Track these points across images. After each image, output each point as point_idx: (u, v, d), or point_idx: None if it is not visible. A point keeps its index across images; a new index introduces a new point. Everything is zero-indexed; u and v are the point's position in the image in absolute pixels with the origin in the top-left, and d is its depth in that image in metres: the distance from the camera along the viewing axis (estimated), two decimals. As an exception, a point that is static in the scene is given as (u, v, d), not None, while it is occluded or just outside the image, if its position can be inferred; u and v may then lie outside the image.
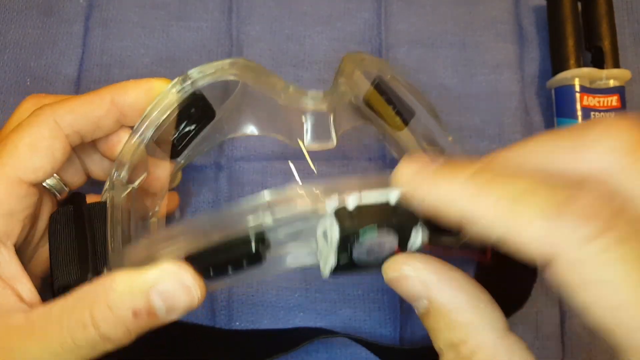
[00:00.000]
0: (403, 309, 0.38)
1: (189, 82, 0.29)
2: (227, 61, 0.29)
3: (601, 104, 0.41)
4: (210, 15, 0.44)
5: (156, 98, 0.28)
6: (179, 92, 0.29)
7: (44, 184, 0.29)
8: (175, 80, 0.29)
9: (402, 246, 0.23)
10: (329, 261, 0.23)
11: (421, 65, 0.44)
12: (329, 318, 0.38)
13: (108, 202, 0.28)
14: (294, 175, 0.40)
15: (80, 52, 0.42)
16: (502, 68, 0.44)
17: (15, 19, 0.42)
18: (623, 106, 0.41)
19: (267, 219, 0.22)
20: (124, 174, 0.28)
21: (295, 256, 0.25)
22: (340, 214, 0.22)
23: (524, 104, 0.43)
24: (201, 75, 0.29)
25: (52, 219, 0.28)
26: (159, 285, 0.23)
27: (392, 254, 0.23)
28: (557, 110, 0.42)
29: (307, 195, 0.22)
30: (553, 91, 0.42)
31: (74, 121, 0.27)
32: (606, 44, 0.42)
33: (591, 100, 0.41)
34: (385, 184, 0.22)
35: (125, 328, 0.23)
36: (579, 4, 0.43)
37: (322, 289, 0.38)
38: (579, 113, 0.40)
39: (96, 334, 0.23)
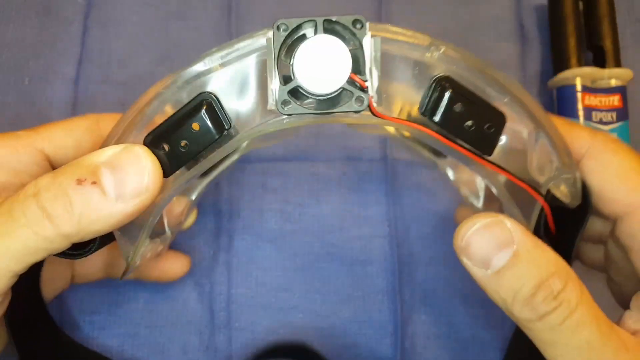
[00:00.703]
0: (404, 311, 0.38)
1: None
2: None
3: (603, 104, 0.40)
4: (210, 14, 0.43)
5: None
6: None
7: None
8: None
9: (357, 68, 0.20)
10: (273, 82, 0.21)
11: (422, 65, 0.44)
12: (329, 320, 0.37)
13: None
14: (293, 177, 0.40)
15: (79, 51, 0.42)
16: (503, 68, 0.43)
17: (13, 19, 0.42)
18: (624, 106, 0.41)
19: (214, 60, 0.22)
20: None
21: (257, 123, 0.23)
22: (280, 32, 0.21)
23: (525, 104, 0.43)
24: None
25: None
26: (107, 155, 0.22)
27: (349, 84, 0.20)
28: (558, 110, 0.41)
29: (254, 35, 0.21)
30: (554, 91, 0.42)
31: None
32: (607, 43, 0.42)
33: (593, 100, 0.40)
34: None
35: (67, 199, 0.21)
36: (580, 3, 0.43)
37: (322, 291, 0.38)
38: (581, 113, 0.40)
39: (35, 204, 0.21)
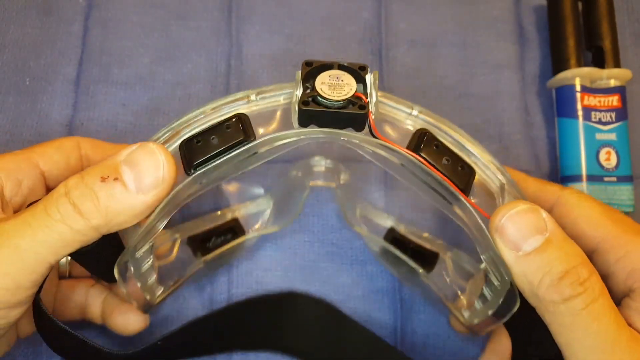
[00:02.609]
0: (403, 310, 0.38)
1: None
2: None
3: (602, 104, 0.40)
4: (210, 15, 0.43)
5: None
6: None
7: None
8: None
9: (360, 90, 0.26)
10: (296, 93, 0.27)
11: (421, 65, 0.44)
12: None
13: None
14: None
15: (80, 51, 0.42)
16: (503, 68, 0.44)
17: (14, 19, 0.42)
18: (624, 106, 0.41)
19: (251, 95, 0.28)
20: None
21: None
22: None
23: (525, 104, 0.43)
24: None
25: None
26: (125, 153, 0.25)
27: (353, 97, 0.26)
28: (557, 110, 0.42)
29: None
30: (554, 91, 0.42)
31: (91, 148, 0.32)
32: (607, 44, 0.42)
33: (592, 100, 0.40)
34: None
35: (95, 196, 0.24)
36: (580, 4, 0.43)
37: (322, 290, 0.38)
38: (580, 113, 0.40)
39: (67, 201, 0.24)
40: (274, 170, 0.39)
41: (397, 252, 0.33)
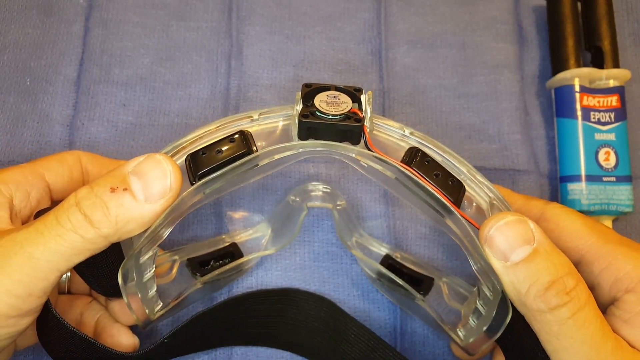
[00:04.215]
0: (402, 310, 0.38)
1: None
2: None
3: (601, 104, 0.41)
4: (210, 15, 0.44)
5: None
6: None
7: None
8: None
9: (356, 107, 0.28)
10: (297, 108, 0.28)
11: (421, 65, 0.44)
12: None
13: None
14: (294, 178, 0.40)
15: (80, 52, 0.42)
16: (502, 68, 0.44)
17: (15, 19, 0.42)
18: (622, 106, 0.41)
19: (254, 114, 0.29)
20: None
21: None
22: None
23: (524, 104, 0.43)
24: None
25: None
26: (133, 164, 0.26)
27: (350, 113, 0.28)
28: (556, 110, 0.42)
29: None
30: (553, 91, 0.42)
31: (91, 162, 0.33)
32: (606, 44, 0.42)
33: (591, 100, 0.41)
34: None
35: (104, 206, 0.25)
36: (579, 4, 0.43)
37: (322, 290, 0.38)
38: (579, 113, 0.40)
39: (78, 211, 0.25)
40: (273, 197, 0.39)
41: (393, 276, 0.34)
